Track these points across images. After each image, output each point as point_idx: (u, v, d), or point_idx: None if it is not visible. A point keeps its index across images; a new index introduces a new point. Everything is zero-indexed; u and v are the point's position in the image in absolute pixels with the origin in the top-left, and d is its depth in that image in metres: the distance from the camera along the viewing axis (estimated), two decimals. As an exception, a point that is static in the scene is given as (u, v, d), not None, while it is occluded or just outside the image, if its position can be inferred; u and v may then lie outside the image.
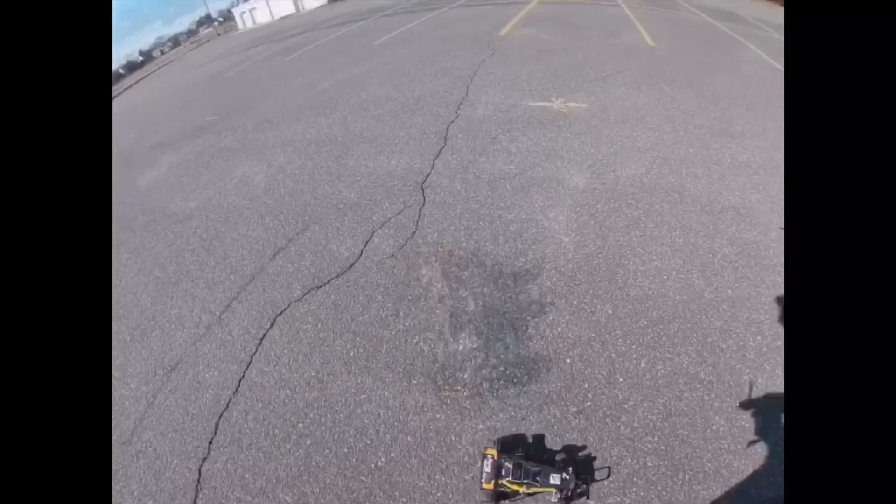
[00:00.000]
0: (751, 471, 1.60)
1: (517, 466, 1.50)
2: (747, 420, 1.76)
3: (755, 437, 1.78)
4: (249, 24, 46.30)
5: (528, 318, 2.15)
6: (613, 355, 1.96)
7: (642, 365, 1.93)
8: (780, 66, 7.29)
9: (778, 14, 18.74)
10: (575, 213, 2.82)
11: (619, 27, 8.78)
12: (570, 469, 1.51)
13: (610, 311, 2.16)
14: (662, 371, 1.90)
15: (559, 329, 2.09)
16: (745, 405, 1.94)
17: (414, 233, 2.80)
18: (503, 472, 1.49)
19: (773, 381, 1.85)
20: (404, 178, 3.33)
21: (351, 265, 2.64)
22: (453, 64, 6.28)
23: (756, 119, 4.68)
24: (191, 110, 9.22)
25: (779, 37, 11.68)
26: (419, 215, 2.94)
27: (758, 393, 2.00)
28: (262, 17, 44.56)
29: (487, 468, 1.49)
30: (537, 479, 1.49)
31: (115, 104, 28.26)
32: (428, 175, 3.32)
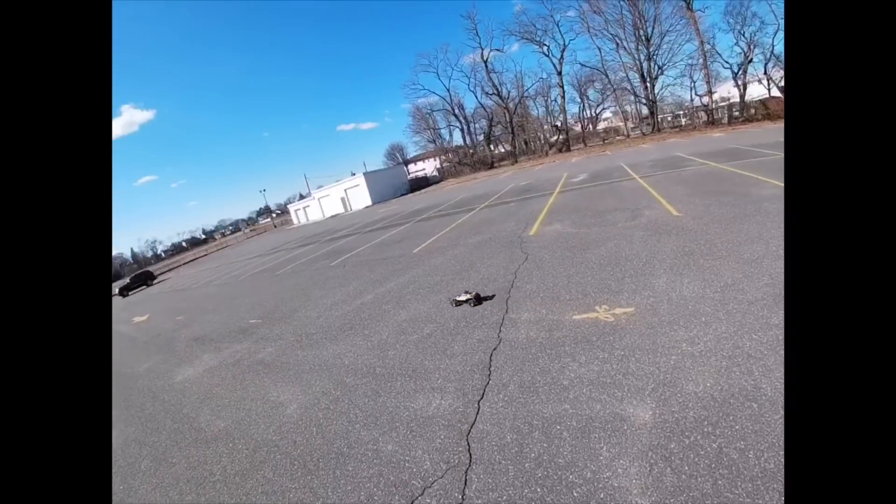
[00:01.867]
0: None
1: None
2: None
3: None
4: (303, 220, 52.93)
5: None
6: None
7: None
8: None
9: (766, 133, 19.56)
10: (647, 462, 2.27)
11: (639, 203, 9.15)
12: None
13: None
14: None
15: None
16: None
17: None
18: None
19: None
20: (447, 426, 2.96)
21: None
22: (489, 273, 6.46)
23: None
24: (237, 306, 9.79)
25: (779, 154, 11.90)
26: (465, 480, 2.48)
27: None
28: (314, 214, 51.09)
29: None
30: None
31: (170, 278, 31.13)
32: (473, 423, 2.92)
